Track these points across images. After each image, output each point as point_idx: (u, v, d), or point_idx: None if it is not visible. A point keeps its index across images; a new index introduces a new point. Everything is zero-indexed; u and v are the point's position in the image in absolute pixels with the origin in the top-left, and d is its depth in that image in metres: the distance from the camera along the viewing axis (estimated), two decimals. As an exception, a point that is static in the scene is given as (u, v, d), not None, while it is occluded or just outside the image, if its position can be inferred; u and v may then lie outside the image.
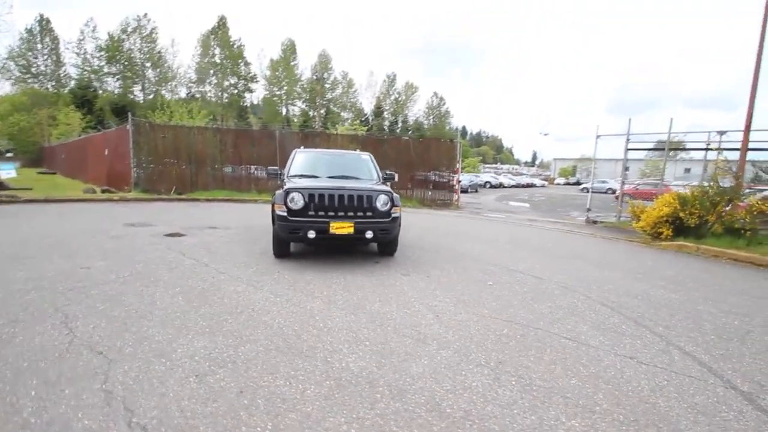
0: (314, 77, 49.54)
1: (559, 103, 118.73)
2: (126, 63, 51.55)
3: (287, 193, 5.39)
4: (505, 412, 2.27)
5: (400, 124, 70.70)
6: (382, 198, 5.60)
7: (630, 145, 13.09)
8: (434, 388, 2.49)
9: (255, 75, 56.50)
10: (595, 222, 13.45)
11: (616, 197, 26.63)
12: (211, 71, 55.26)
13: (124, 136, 16.77)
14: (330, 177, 6.40)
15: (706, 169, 12.33)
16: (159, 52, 53.70)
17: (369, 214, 5.49)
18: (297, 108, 65.56)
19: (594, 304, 4.27)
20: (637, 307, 4.25)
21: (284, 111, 64.51)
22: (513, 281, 5.11)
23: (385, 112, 71.60)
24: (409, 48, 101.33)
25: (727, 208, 7.83)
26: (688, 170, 53.23)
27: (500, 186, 41.40)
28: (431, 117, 74.92)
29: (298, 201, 5.35)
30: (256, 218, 10.38)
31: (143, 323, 3.36)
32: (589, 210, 14.09)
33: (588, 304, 4.29)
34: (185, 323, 3.38)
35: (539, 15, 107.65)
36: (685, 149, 12.73)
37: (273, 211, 5.72)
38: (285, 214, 5.33)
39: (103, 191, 15.39)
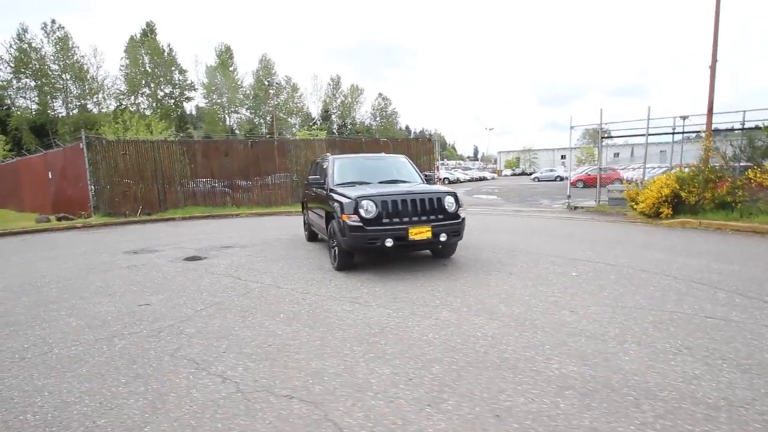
0: (266, 83, 47.52)
1: (494, 98, 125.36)
2: (40, 75, 46.09)
3: (357, 201, 5.12)
4: (757, 393, 2.32)
5: (348, 127, 70.37)
6: (449, 199, 5.52)
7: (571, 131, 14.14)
8: (669, 381, 2.48)
9: (192, 83, 53.11)
10: (575, 208, 14.29)
11: (572, 184, 28.61)
12: (143, 81, 51.17)
13: (75, 155, 15.03)
14: (381, 182, 6.18)
15: (672, 149, 13.60)
16: (79, 62, 48.66)
17: (441, 216, 5.38)
18: (241, 116, 62.83)
19: (688, 283, 4.52)
20: (723, 281, 4.56)
21: (227, 120, 61.56)
22: (591, 270, 5.26)
23: (333, 116, 70.91)
24: (345, 50, 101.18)
25: (719, 185, 8.70)
26: (617, 155, 58.76)
27: (457, 181, 42.66)
28: (378, 118, 75.42)
29: (371, 209, 5.10)
30: (261, 233, 9.79)
31: (294, 357, 3.00)
32: (569, 197, 14.97)
33: (683, 284, 4.52)
34: (340, 351, 3.07)
35: (470, 15, 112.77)
36: (661, 134, 13.78)
37: (336, 222, 5.40)
38: (359, 224, 5.05)
39: (60, 219, 13.64)
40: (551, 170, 42.22)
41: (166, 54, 52.55)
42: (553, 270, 5.29)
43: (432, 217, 5.31)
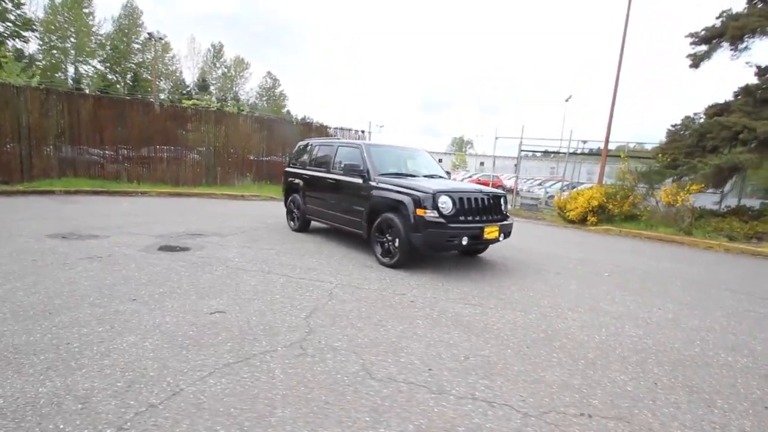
0: (147, 35, 38.49)
1: (377, 96, 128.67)
2: None
3: (436, 196, 4.84)
4: None
5: (230, 102, 63.93)
6: (503, 199, 5.65)
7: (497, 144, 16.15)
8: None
9: (32, 21, 40.12)
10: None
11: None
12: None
13: None
14: (425, 176, 5.96)
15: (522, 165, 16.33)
16: None
17: (499, 216, 5.47)
18: (90, 68, 51.14)
19: (691, 283, 5.61)
20: (697, 277, 5.81)
21: (70, 70, 49.44)
22: (612, 271, 6.04)
23: (212, 87, 63.53)
24: (226, 17, 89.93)
25: (631, 200, 10.90)
26: (482, 164, 67.32)
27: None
28: (265, 98, 70.44)
29: (448, 205, 4.89)
30: (213, 219, 8.33)
31: (514, 370, 2.74)
32: (489, 200, 16.71)
33: (687, 283, 5.58)
34: (548, 360, 2.92)
35: (362, 9, 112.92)
36: (578, 153, 16.34)
37: (400, 216, 5.01)
38: (441, 220, 4.79)
39: None
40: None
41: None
42: (585, 270, 5.91)
43: (496, 217, 5.37)
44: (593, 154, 15.97)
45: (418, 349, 2.96)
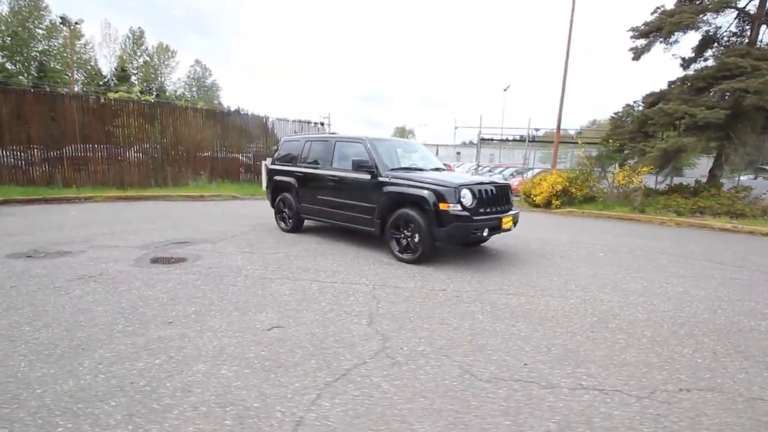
0: (59, 21, 33.02)
1: (314, 86, 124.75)
2: None
3: (458, 190, 4.86)
4: None
5: (155, 93, 58.83)
6: (509, 189, 5.82)
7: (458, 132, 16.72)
8: (821, 322, 3.61)
9: None
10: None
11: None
12: None
13: None
14: (433, 170, 5.94)
15: (479, 151, 17.24)
16: None
17: (509, 206, 5.64)
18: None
19: (671, 257, 6.21)
20: (687, 253, 6.47)
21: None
22: (604, 251, 6.51)
23: (134, 77, 57.96)
24: (142, 2, 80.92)
25: (589, 183, 11.79)
26: (436, 152, 68.89)
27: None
28: (195, 89, 65.66)
29: (469, 198, 4.93)
30: (199, 223, 7.72)
31: (596, 354, 2.86)
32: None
33: (669, 257, 6.19)
34: (627, 344, 3.09)
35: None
36: (539, 141, 17.14)
37: (419, 211, 4.98)
38: (465, 213, 4.82)
39: None
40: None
41: None
42: (582, 252, 6.29)
43: (507, 207, 5.52)
44: (545, 141, 17.06)
45: (499, 345, 2.98)
